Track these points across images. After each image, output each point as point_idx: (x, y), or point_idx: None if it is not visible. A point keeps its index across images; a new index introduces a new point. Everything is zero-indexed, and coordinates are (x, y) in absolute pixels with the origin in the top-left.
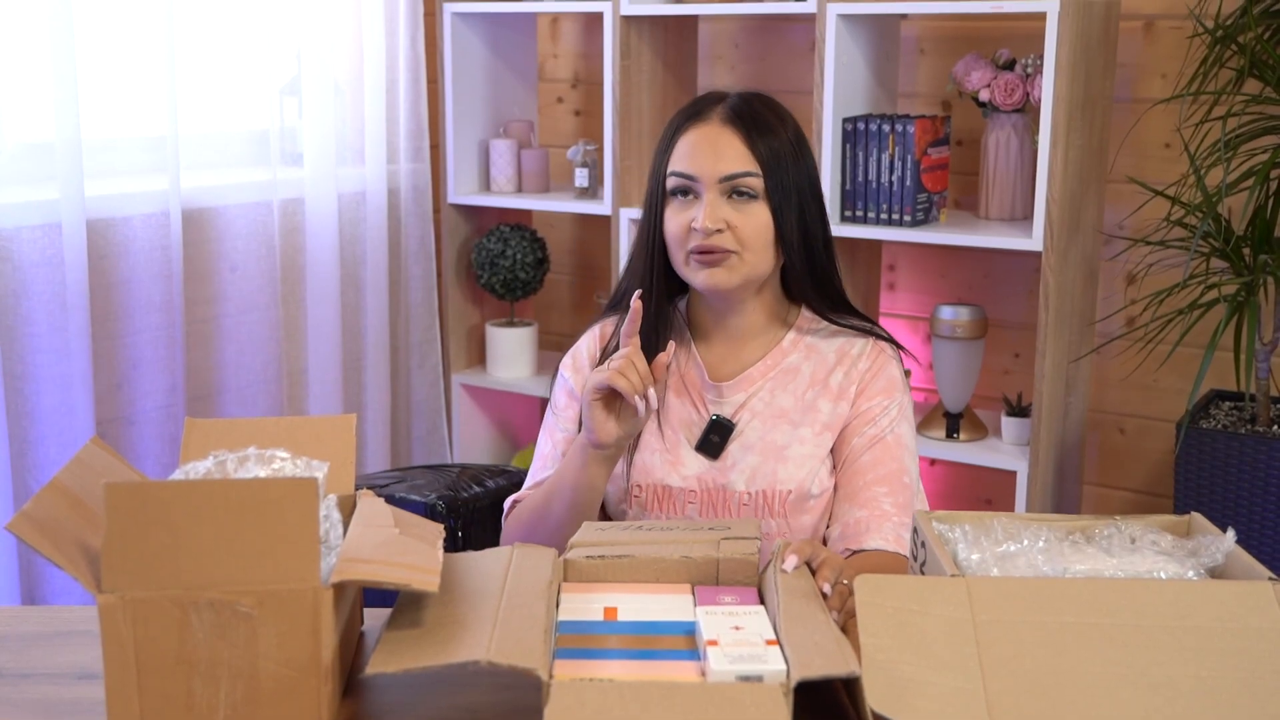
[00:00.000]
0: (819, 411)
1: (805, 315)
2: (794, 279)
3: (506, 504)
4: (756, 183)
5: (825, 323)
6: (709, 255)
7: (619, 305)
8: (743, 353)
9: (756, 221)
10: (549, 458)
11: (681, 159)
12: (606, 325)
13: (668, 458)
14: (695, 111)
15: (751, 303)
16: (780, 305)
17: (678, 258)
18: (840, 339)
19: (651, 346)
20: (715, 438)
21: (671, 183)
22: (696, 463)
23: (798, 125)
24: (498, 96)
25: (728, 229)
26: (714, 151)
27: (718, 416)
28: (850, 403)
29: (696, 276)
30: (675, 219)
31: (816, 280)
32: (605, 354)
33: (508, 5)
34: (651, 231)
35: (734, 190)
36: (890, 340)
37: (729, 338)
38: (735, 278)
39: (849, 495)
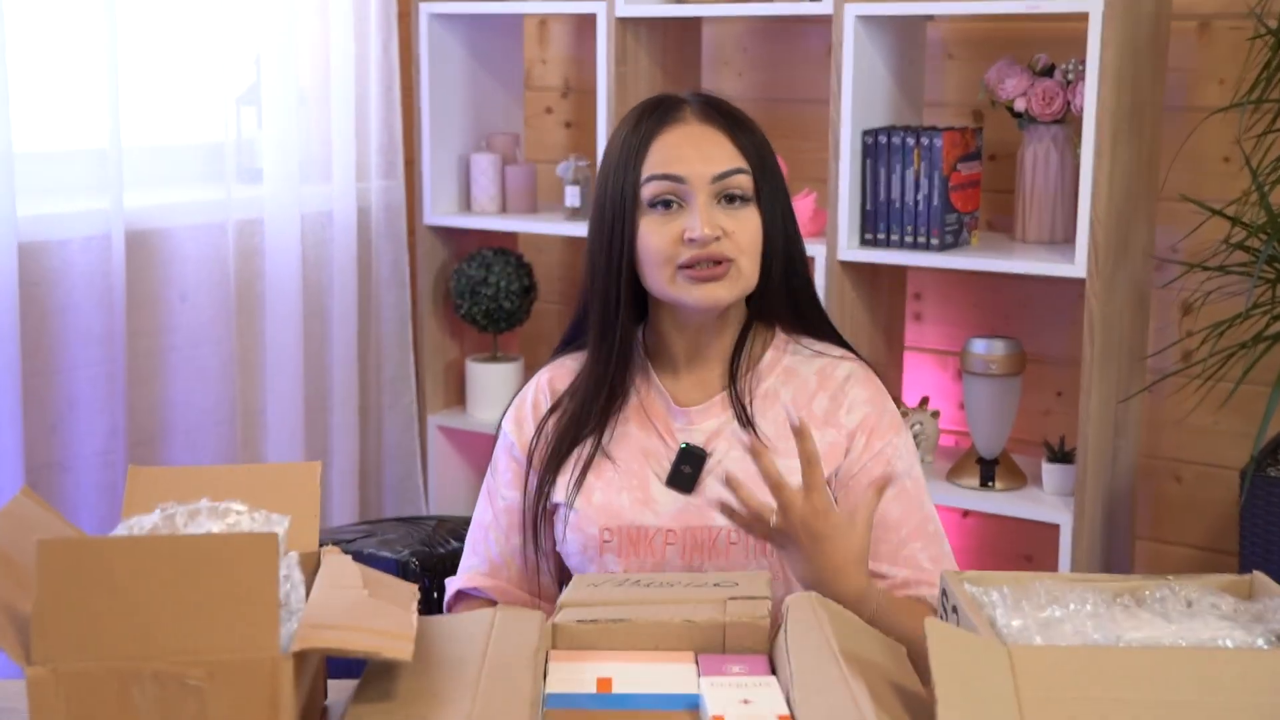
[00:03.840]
0: None
1: (780, 337)
2: (770, 295)
3: (450, 592)
4: (748, 182)
5: (802, 345)
6: (708, 269)
7: (572, 345)
8: (712, 377)
9: (751, 227)
10: (489, 528)
11: (662, 163)
12: (556, 372)
13: (637, 495)
14: (662, 114)
15: (729, 322)
16: (749, 326)
17: (662, 276)
18: (821, 360)
19: (616, 386)
20: (686, 468)
21: (651, 190)
22: (670, 499)
23: (763, 130)
24: (479, 107)
25: (724, 236)
26: (700, 151)
27: (688, 445)
28: (843, 432)
29: (691, 294)
30: (658, 233)
31: (794, 298)
32: (556, 405)
33: (491, 5)
34: (620, 254)
35: (725, 193)
36: (868, 364)
37: (703, 363)
38: (735, 291)
39: (887, 554)
